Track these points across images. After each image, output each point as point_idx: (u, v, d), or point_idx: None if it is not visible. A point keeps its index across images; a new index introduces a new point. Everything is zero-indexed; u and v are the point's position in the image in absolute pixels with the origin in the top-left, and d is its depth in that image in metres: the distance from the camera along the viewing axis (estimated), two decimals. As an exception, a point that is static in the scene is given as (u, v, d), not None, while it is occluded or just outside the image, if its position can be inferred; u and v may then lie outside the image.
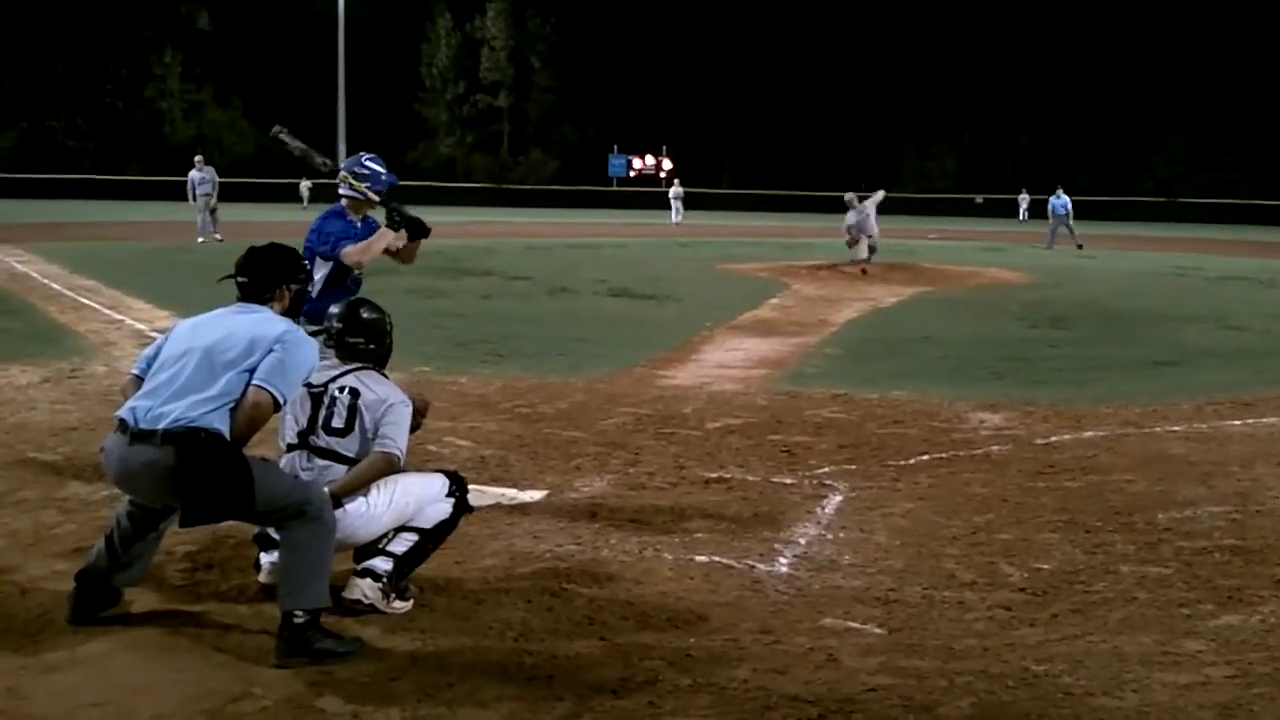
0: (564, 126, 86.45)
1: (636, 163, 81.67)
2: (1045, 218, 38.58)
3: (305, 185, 57.78)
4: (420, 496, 4.99)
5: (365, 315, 5.19)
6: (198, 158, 30.98)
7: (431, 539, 4.99)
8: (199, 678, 4.17)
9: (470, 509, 5.20)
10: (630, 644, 4.58)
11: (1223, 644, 4.65)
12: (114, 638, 4.49)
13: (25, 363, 10.77)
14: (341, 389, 4.95)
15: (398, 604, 4.86)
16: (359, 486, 4.80)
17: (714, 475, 7.32)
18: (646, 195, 75.92)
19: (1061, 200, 36.61)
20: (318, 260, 6.43)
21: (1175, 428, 8.94)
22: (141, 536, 4.70)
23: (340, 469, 4.87)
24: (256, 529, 4.98)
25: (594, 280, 21.00)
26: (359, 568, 4.87)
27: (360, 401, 4.92)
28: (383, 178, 6.62)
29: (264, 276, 4.74)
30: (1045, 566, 5.64)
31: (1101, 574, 5.53)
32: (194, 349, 4.44)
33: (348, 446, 4.90)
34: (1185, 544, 5.99)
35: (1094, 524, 6.33)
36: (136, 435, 4.31)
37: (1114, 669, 4.39)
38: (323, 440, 4.92)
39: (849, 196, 25.48)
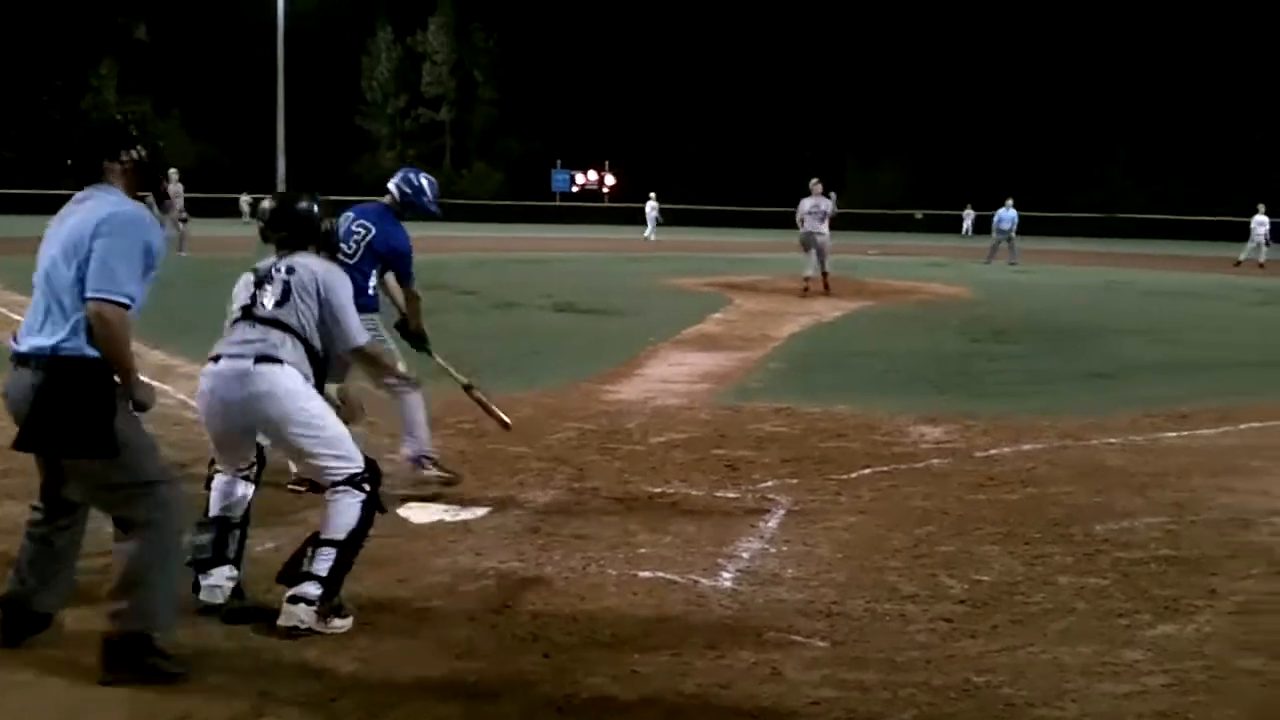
0: (507, 140, 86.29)
1: (580, 177, 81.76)
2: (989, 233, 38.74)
3: (245, 199, 57.21)
4: (334, 438, 4.93)
5: (293, 207, 5.39)
6: (173, 171, 30.28)
7: (349, 548, 4.90)
8: (136, 699, 4.12)
9: (382, 509, 5.12)
10: (575, 660, 4.57)
11: (1160, 653, 4.73)
12: (49, 661, 4.41)
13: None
14: (278, 269, 5.13)
15: (336, 623, 4.81)
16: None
17: (658, 490, 7.33)
18: (590, 210, 76.02)
19: (1011, 214, 36.51)
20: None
21: (1112, 440, 9.07)
22: (47, 555, 4.56)
23: (286, 337, 4.96)
24: (191, 554, 4.91)
25: (540, 295, 20.96)
26: (288, 594, 4.80)
27: (294, 278, 5.06)
28: (425, 198, 7.73)
29: (82, 154, 4.48)
30: (985, 578, 5.70)
31: (1041, 585, 5.60)
32: (41, 267, 4.30)
33: (287, 315, 5.02)
34: (1123, 555, 6.07)
35: (1033, 536, 6.40)
36: (15, 360, 4.23)
37: (1054, 679, 4.45)
38: (264, 311, 5.03)
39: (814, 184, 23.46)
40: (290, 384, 4.86)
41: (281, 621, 4.74)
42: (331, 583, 4.83)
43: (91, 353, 4.14)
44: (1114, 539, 6.35)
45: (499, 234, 51.32)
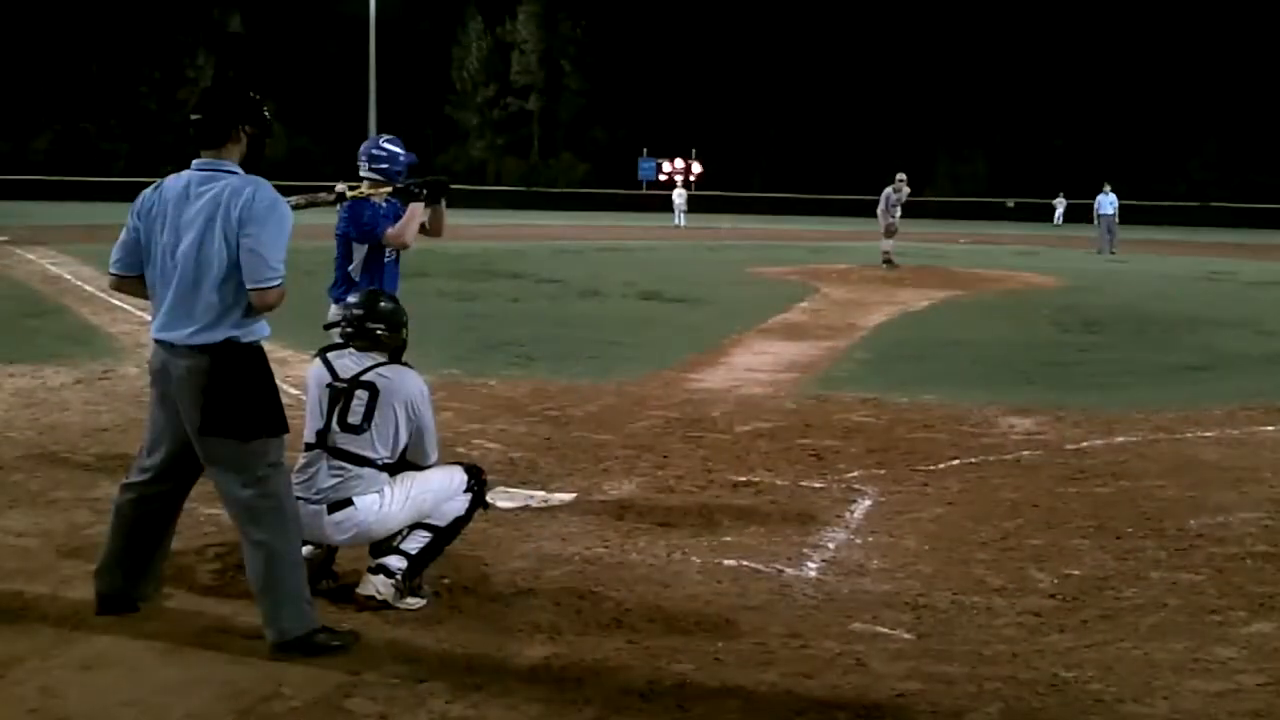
0: (595, 129, 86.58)
1: (666, 165, 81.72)
2: (1085, 222, 37.68)
3: (342, 188, 57.89)
4: (439, 493, 5.00)
5: (383, 304, 5.18)
6: None
7: (446, 537, 5.02)
8: (230, 677, 4.20)
9: (486, 505, 5.23)
10: (658, 646, 4.58)
11: (1255, 651, 4.62)
12: (146, 637, 4.52)
13: (58, 364, 10.87)
14: (362, 385, 4.88)
15: (411, 601, 4.88)
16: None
17: (742, 479, 7.31)
18: (676, 198, 75.83)
19: (1110, 198, 35.66)
20: (354, 245, 6.54)
21: (1207, 433, 8.87)
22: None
23: (361, 471, 4.82)
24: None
25: (624, 283, 20.99)
26: (373, 564, 4.90)
27: (379, 398, 4.87)
28: (400, 158, 6.69)
29: (219, 114, 4.49)
30: (1075, 572, 5.61)
31: (1132, 580, 5.50)
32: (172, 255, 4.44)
33: (362, 445, 4.83)
34: (1217, 550, 5.95)
35: (1125, 530, 6.30)
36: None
37: (1144, 676, 4.37)
38: (339, 439, 4.84)
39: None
40: (368, 516, 4.86)
41: (360, 589, 4.86)
42: (418, 562, 4.93)
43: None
44: (1208, 534, 6.22)
45: (584, 222, 51.49)
